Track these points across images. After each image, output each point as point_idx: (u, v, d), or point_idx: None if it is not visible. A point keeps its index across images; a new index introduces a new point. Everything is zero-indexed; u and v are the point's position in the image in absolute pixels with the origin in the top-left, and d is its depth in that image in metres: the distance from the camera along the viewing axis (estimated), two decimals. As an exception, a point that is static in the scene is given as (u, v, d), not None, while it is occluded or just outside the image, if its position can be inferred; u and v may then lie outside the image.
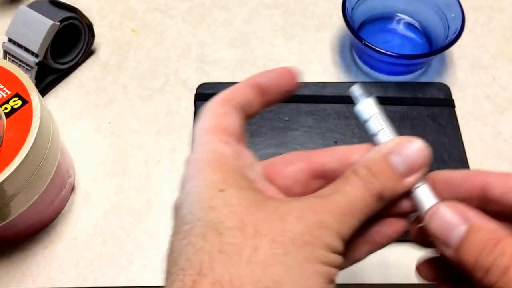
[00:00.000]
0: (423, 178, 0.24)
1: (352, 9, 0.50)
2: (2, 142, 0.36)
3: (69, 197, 0.45)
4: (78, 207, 0.45)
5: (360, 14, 0.52)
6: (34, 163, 0.37)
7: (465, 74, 0.52)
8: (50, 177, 0.39)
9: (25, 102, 0.37)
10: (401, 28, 0.54)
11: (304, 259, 0.20)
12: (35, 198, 0.38)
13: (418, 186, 0.24)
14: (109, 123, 0.49)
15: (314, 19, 0.57)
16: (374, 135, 0.26)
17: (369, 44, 0.46)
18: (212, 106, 0.26)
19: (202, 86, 0.49)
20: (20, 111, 0.37)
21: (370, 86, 0.49)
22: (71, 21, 0.49)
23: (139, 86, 0.52)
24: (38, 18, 0.47)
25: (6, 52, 0.49)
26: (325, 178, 0.26)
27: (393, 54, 0.46)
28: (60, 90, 0.52)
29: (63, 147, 0.42)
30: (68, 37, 0.51)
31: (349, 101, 0.27)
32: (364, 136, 0.28)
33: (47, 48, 0.48)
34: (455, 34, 0.47)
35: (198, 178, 0.22)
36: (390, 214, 0.25)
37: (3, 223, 0.37)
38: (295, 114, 0.47)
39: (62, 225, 0.44)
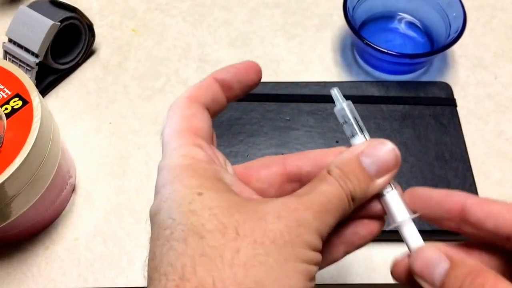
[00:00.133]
0: (394, 182, 0.25)
1: (353, 8, 0.50)
2: (2, 142, 0.35)
3: (70, 198, 0.45)
4: (78, 207, 0.44)
5: (361, 13, 0.52)
6: (35, 164, 0.36)
7: (467, 73, 0.52)
8: (51, 177, 0.39)
9: (25, 102, 0.37)
10: (402, 27, 0.54)
11: (285, 259, 0.20)
12: (35, 199, 0.38)
13: (389, 191, 0.25)
14: (110, 123, 0.49)
15: (315, 19, 0.56)
16: (349, 138, 0.26)
17: (370, 44, 0.46)
18: (178, 107, 0.26)
19: (202, 86, 0.49)
20: (20, 111, 0.37)
21: (372, 86, 0.49)
22: (71, 21, 0.49)
23: (140, 86, 0.52)
24: (38, 18, 0.47)
25: (6, 52, 0.49)
26: (300, 181, 0.27)
27: (394, 53, 0.46)
28: (60, 90, 0.52)
29: (63, 148, 0.42)
30: (68, 37, 0.51)
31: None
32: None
33: (48, 48, 0.48)
34: (457, 33, 0.47)
35: (175, 184, 0.22)
36: (364, 215, 0.25)
37: (4, 223, 0.37)
38: (296, 114, 0.47)
39: (63, 226, 0.44)
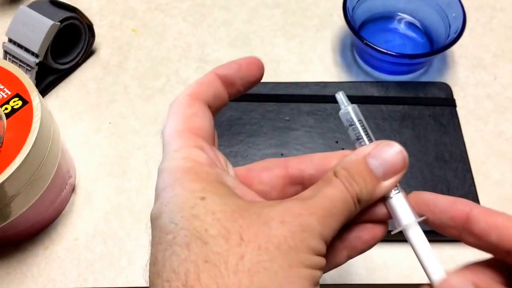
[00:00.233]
0: (400, 185, 0.25)
1: (353, 9, 0.50)
2: (2, 142, 0.35)
3: (70, 198, 0.45)
4: (78, 207, 0.44)
5: (361, 13, 0.52)
6: (35, 164, 0.36)
7: (466, 74, 0.52)
8: (51, 177, 0.39)
9: (25, 102, 0.37)
10: (402, 27, 0.54)
11: (289, 264, 0.20)
12: (35, 199, 0.38)
13: (395, 193, 0.25)
14: (110, 123, 0.49)
15: (315, 19, 0.56)
16: (354, 141, 0.26)
17: (370, 44, 0.46)
18: (180, 105, 0.25)
19: (202, 86, 0.49)
20: (20, 111, 0.37)
21: (371, 86, 0.49)
22: (71, 21, 0.49)
23: (140, 86, 0.52)
24: (38, 18, 0.47)
25: (6, 52, 0.49)
26: (302, 184, 0.27)
27: (394, 53, 0.46)
28: (60, 90, 0.52)
29: (63, 148, 0.42)
30: (68, 37, 0.51)
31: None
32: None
33: (47, 48, 0.48)
34: (456, 34, 0.47)
35: (177, 188, 0.22)
36: (368, 219, 0.25)
37: (4, 223, 0.37)
38: (296, 114, 0.47)
39: (63, 226, 0.44)
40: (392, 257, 0.42)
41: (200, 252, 0.20)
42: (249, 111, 0.47)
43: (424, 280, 0.42)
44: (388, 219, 0.25)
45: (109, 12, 0.57)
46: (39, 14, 0.47)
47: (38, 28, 0.47)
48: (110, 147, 0.48)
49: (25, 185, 0.36)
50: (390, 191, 0.24)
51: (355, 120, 0.26)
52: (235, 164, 0.27)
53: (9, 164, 0.34)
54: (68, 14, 0.48)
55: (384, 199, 0.25)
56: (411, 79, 0.51)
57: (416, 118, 0.47)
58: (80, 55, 0.52)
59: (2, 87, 0.38)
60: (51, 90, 0.51)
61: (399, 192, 0.25)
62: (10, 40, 0.49)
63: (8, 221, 0.37)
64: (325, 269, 0.24)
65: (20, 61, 0.48)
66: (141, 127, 0.49)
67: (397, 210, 0.24)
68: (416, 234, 0.24)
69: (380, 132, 0.46)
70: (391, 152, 0.24)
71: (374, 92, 0.48)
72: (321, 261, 0.22)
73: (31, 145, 0.35)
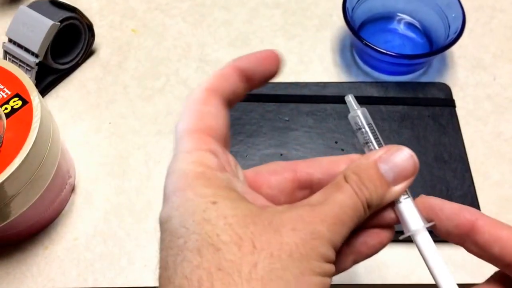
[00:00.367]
0: (410, 190, 0.25)
1: (352, 9, 0.50)
2: (2, 142, 0.35)
3: (70, 198, 0.45)
4: (78, 207, 0.45)
5: (361, 14, 0.52)
6: (35, 164, 0.36)
7: (466, 74, 0.52)
8: (51, 177, 0.39)
9: (25, 102, 0.37)
10: (401, 28, 0.54)
11: (301, 272, 0.20)
12: (35, 199, 0.38)
13: (404, 198, 0.25)
14: (110, 123, 0.49)
15: (314, 19, 0.56)
16: (363, 144, 0.26)
17: (369, 44, 0.46)
18: (196, 100, 0.25)
19: (202, 86, 0.49)
20: (20, 111, 0.37)
21: (371, 86, 0.49)
22: (71, 21, 0.49)
23: (140, 86, 0.52)
24: (38, 18, 0.47)
25: (6, 52, 0.49)
26: (311, 188, 0.26)
27: (393, 54, 0.46)
28: (60, 90, 0.52)
29: (63, 148, 0.42)
30: (68, 37, 0.51)
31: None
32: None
33: (47, 48, 0.48)
34: (456, 34, 0.47)
35: (188, 193, 0.22)
36: (376, 224, 0.25)
37: (3, 223, 0.37)
38: (296, 114, 0.47)
39: (63, 226, 0.44)
40: (391, 257, 0.42)
41: (212, 259, 0.20)
42: (248, 111, 0.47)
43: (423, 280, 0.43)
44: (396, 223, 0.25)
45: (109, 12, 0.57)
46: (39, 14, 0.47)
47: (38, 28, 0.47)
48: (110, 147, 0.48)
49: (25, 185, 0.36)
50: (400, 196, 0.24)
51: (365, 124, 0.26)
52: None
53: (9, 164, 0.34)
54: (68, 14, 0.49)
55: (392, 203, 0.25)
56: (411, 80, 0.51)
57: (415, 118, 0.47)
58: (80, 55, 0.52)
59: (2, 87, 0.38)
60: (51, 90, 0.51)
61: (408, 197, 0.25)
62: (10, 40, 0.49)
63: (8, 221, 0.37)
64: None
65: (20, 61, 0.48)
66: (141, 127, 0.49)
67: (406, 215, 0.24)
68: (425, 239, 0.24)
69: (379, 133, 0.46)
70: (402, 157, 0.24)
71: (374, 92, 0.48)
72: (331, 268, 0.22)
73: (31, 145, 0.35)
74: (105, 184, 0.46)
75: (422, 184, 0.43)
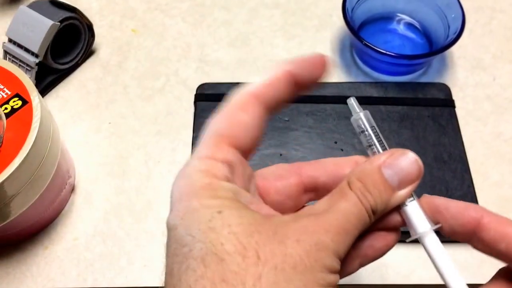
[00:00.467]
0: (415, 193, 0.25)
1: (352, 9, 0.50)
2: (2, 142, 0.35)
3: (69, 198, 0.45)
4: (78, 207, 0.45)
5: (360, 14, 0.52)
6: (34, 163, 0.36)
7: (466, 75, 0.52)
8: (50, 177, 0.39)
9: (25, 102, 0.37)
10: (401, 28, 0.54)
11: (305, 285, 0.20)
12: (35, 199, 0.38)
13: (409, 201, 0.24)
14: (110, 123, 0.49)
15: (314, 19, 0.57)
16: (366, 147, 0.26)
17: (369, 44, 0.46)
18: (235, 103, 0.24)
19: (202, 86, 0.49)
20: (20, 111, 0.37)
21: (370, 86, 0.49)
22: (71, 21, 0.49)
23: (139, 86, 0.52)
24: (38, 18, 0.47)
25: (6, 52, 0.49)
26: (316, 191, 0.26)
27: (393, 54, 0.46)
28: (60, 90, 0.52)
29: (63, 148, 0.42)
30: (68, 37, 0.51)
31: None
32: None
33: (47, 48, 0.48)
34: (456, 34, 0.47)
35: (194, 203, 0.22)
36: (382, 227, 0.25)
37: (3, 223, 0.37)
38: (295, 114, 0.47)
39: (62, 226, 0.44)
40: (391, 258, 0.42)
41: (216, 269, 0.20)
42: (248, 112, 0.47)
43: (423, 280, 0.42)
44: (402, 226, 0.25)
45: (109, 12, 0.58)
46: (39, 14, 0.47)
47: (38, 28, 0.47)
48: (110, 147, 0.48)
49: (24, 185, 0.36)
50: (405, 200, 0.24)
51: (368, 127, 0.26)
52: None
53: (9, 164, 0.34)
54: (68, 14, 0.49)
55: (398, 206, 0.25)
56: (410, 80, 0.51)
57: (415, 118, 0.47)
58: (80, 55, 0.52)
59: (2, 87, 0.38)
60: (51, 90, 0.51)
61: (413, 199, 0.25)
62: (10, 40, 0.49)
63: (8, 220, 0.37)
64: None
65: (20, 61, 0.48)
66: (141, 127, 0.49)
67: (412, 218, 0.24)
68: (432, 241, 0.24)
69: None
70: (407, 161, 0.24)
71: (373, 92, 0.48)
72: (336, 278, 0.22)
73: (30, 145, 0.35)
74: (105, 184, 0.46)
75: (421, 185, 0.42)
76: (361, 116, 0.26)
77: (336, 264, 0.22)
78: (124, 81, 0.52)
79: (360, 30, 0.53)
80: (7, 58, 0.49)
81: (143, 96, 0.51)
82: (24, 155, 0.35)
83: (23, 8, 0.48)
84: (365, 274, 0.41)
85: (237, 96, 0.24)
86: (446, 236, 0.25)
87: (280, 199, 0.26)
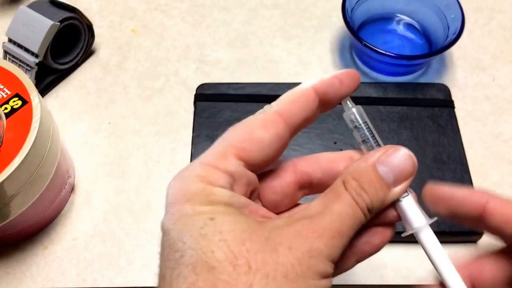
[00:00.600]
0: (409, 188, 0.25)
1: (351, 10, 0.50)
2: (2, 142, 0.36)
3: (69, 198, 0.45)
4: (78, 207, 0.45)
5: (360, 14, 0.52)
6: (34, 163, 0.37)
7: (465, 75, 0.52)
8: (50, 177, 0.39)
9: (25, 102, 0.37)
10: (400, 28, 0.54)
11: None
12: (35, 199, 0.38)
13: (404, 196, 0.25)
14: (109, 123, 0.49)
15: (314, 20, 0.57)
16: (360, 143, 0.26)
17: (368, 45, 0.46)
18: (260, 119, 0.24)
19: (201, 87, 0.49)
20: (20, 111, 0.37)
21: (370, 87, 0.49)
22: (71, 21, 0.49)
23: (139, 87, 0.52)
24: (38, 18, 0.47)
25: (6, 52, 0.49)
26: (310, 188, 0.27)
27: (392, 54, 0.46)
28: (60, 90, 0.52)
29: (63, 148, 0.42)
30: (68, 37, 0.51)
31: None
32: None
33: (47, 48, 0.48)
34: (455, 35, 0.47)
35: (186, 207, 0.22)
36: (377, 223, 0.25)
37: (3, 223, 0.37)
38: (295, 115, 0.47)
39: (62, 226, 0.44)
40: (390, 258, 0.42)
41: (207, 277, 0.20)
42: (248, 112, 0.47)
43: (422, 280, 0.43)
44: (398, 221, 0.25)
45: (108, 12, 0.58)
46: (39, 14, 0.47)
47: (38, 28, 0.47)
48: (110, 147, 0.48)
49: (24, 185, 0.36)
50: (400, 196, 0.24)
51: (360, 121, 0.26)
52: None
53: (9, 164, 0.34)
54: (68, 14, 0.49)
55: (393, 202, 0.25)
56: (410, 80, 0.51)
57: (414, 119, 0.47)
58: (80, 55, 0.52)
59: (2, 87, 0.38)
60: (50, 90, 0.52)
61: (408, 194, 0.25)
62: (10, 40, 0.49)
63: (8, 220, 0.37)
64: (334, 275, 0.24)
65: (20, 61, 0.48)
66: (140, 127, 0.49)
67: (407, 213, 0.24)
68: (428, 236, 0.24)
69: (378, 133, 0.46)
70: (401, 157, 0.24)
71: (373, 93, 0.48)
72: (328, 283, 0.22)
73: (30, 144, 0.35)
74: (104, 184, 0.46)
75: (420, 185, 0.43)
76: (353, 111, 0.26)
77: (330, 268, 0.22)
78: (123, 81, 0.52)
79: (359, 31, 0.53)
80: (7, 58, 0.49)
81: (143, 96, 0.51)
82: (24, 155, 0.35)
83: (23, 8, 0.48)
84: (365, 274, 0.41)
85: (263, 114, 0.24)
86: (455, 223, 0.25)
87: (277, 198, 0.26)
